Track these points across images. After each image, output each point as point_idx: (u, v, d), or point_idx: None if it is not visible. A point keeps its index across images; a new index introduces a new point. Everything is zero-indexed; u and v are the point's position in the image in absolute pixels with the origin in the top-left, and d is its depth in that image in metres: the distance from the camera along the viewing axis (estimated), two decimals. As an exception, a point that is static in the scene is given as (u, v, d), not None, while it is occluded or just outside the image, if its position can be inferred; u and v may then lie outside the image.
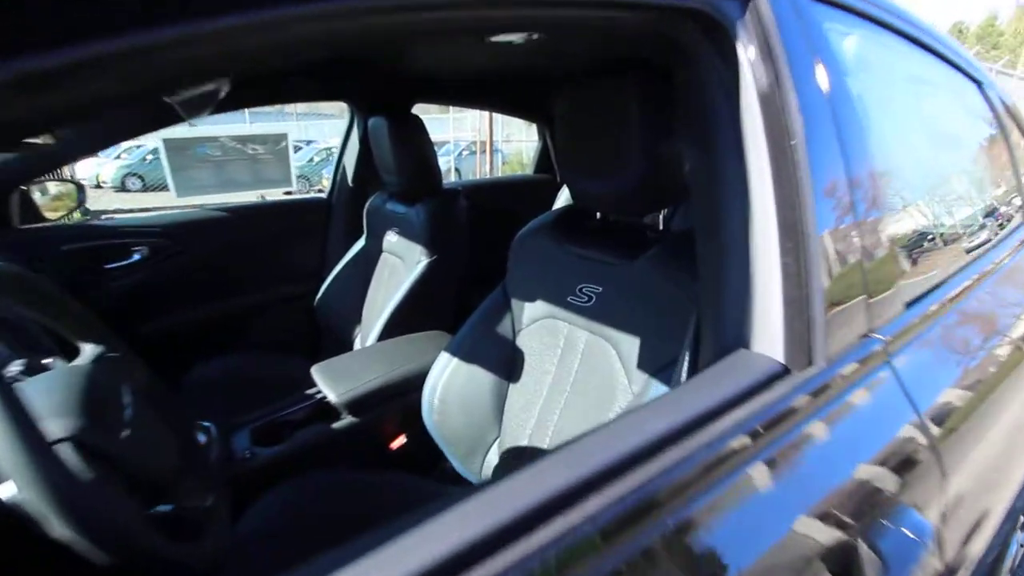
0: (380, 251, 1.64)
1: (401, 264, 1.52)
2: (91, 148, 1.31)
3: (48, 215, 1.48)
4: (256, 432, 1.12)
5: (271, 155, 1.71)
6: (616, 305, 0.89)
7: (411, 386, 1.14)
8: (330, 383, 1.10)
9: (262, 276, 1.78)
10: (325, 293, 1.72)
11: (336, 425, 1.09)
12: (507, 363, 1.06)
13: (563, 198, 1.81)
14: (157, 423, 0.63)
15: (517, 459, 1.01)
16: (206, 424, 1.10)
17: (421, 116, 1.51)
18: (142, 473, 0.56)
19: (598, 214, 1.02)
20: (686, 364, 0.67)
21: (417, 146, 1.44)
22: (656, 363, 0.79)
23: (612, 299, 0.90)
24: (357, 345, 1.60)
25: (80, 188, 1.63)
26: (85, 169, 8.82)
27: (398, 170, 1.43)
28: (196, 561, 0.57)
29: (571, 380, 0.95)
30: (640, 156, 0.78)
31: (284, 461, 1.04)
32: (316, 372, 1.14)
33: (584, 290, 0.93)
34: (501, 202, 2.20)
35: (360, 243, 1.73)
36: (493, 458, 1.07)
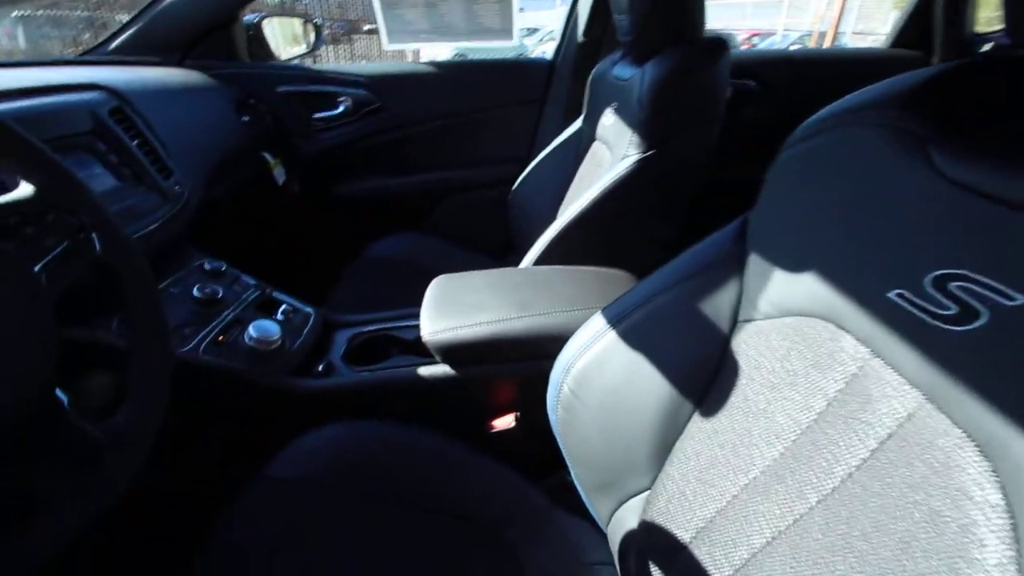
0: (593, 139, 1.17)
1: (608, 157, 1.03)
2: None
3: (278, 54, 1.45)
4: (355, 340, 0.88)
5: (491, -8, 1.33)
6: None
7: (540, 349, 0.73)
8: (432, 310, 0.76)
9: (465, 150, 1.51)
10: (522, 183, 1.36)
11: (425, 371, 0.76)
12: (700, 372, 0.55)
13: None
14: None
15: (668, 562, 0.52)
16: (308, 310, 0.91)
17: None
18: None
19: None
20: None
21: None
22: None
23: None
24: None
25: (318, 30, 1.57)
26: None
27: (630, 2, 0.89)
28: None
29: (833, 482, 0.39)
30: None
31: (357, 393, 0.78)
32: (432, 288, 0.82)
33: (956, 289, 0.32)
34: (813, 87, 1.39)
35: (576, 123, 1.28)
36: (630, 518, 0.60)
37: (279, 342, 0.78)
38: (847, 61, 1.56)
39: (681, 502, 0.52)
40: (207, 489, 0.73)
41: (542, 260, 0.92)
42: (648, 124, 0.85)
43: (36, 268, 0.43)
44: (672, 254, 0.65)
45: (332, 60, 6.50)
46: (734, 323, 0.54)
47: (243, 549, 0.61)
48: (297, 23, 1.55)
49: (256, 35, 1.38)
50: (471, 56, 4.23)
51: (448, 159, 1.51)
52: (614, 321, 0.60)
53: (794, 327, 0.46)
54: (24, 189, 0.46)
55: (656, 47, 0.90)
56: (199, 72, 1.22)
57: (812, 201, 0.47)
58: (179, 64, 1.24)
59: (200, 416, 0.77)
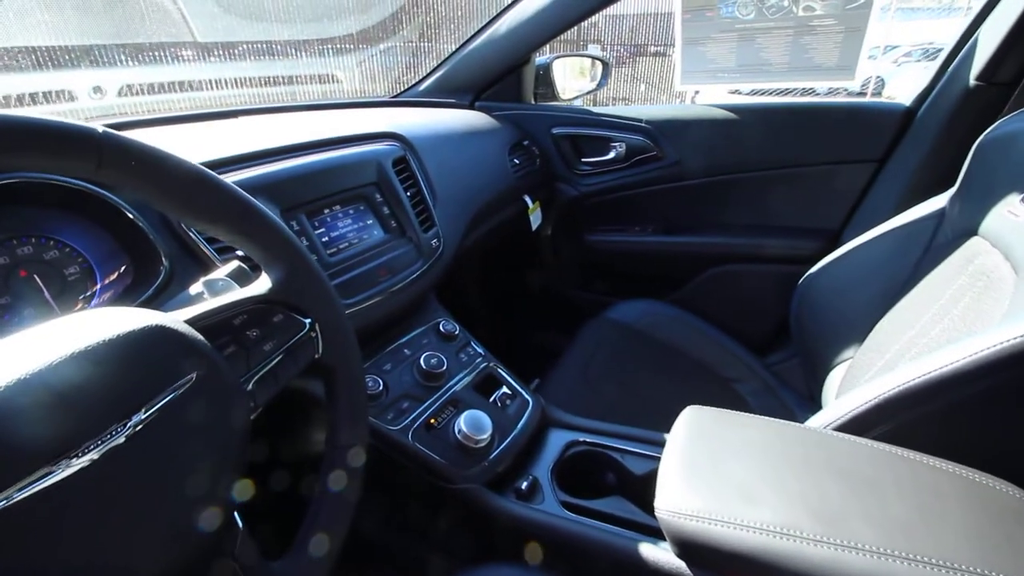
0: (972, 232, 0.77)
1: (1008, 276, 0.64)
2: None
3: (563, 93, 1.41)
4: (570, 449, 0.73)
5: (835, 21, 1.01)
6: None
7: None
8: (676, 471, 0.54)
9: (753, 213, 1.23)
10: (827, 268, 1.01)
11: (649, 553, 0.55)
12: None
13: None
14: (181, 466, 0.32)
15: None
16: (527, 397, 0.79)
17: None
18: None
19: None
20: None
21: None
22: None
23: None
24: (829, 396, 0.89)
25: (606, 67, 1.48)
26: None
27: None
28: None
29: None
30: None
31: (558, 538, 0.62)
32: (682, 427, 0.60)
33: None
34: None
35: (936, 203, 0.88)
36: None
37: (488, 440, 0.69)
38: None
39: None
40: None
41: (860, 422, 0.60)
42: None
43: (243, 378, 0.39)
44: None
45: (611, 79, 6.64)
46: None
47: None
48: (586, 61, 1.49)
49: (545, 75, 1.35)
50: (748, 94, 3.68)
51: (727, 222, 1.24)
52: None
53: None
54: (261, 284, 0.42)
55: None
56: (484, 114, 1.25)
57: None
58: (470, 105, 1.28)
59: (386, 493, 0.72)
